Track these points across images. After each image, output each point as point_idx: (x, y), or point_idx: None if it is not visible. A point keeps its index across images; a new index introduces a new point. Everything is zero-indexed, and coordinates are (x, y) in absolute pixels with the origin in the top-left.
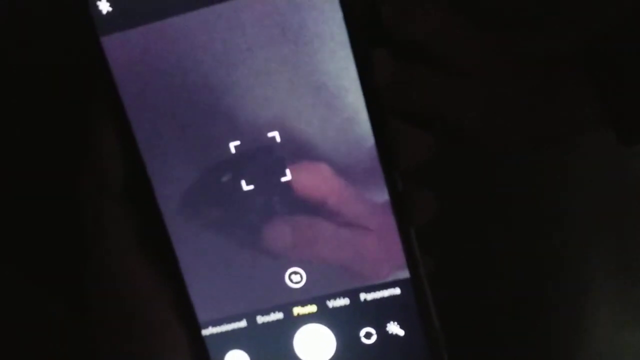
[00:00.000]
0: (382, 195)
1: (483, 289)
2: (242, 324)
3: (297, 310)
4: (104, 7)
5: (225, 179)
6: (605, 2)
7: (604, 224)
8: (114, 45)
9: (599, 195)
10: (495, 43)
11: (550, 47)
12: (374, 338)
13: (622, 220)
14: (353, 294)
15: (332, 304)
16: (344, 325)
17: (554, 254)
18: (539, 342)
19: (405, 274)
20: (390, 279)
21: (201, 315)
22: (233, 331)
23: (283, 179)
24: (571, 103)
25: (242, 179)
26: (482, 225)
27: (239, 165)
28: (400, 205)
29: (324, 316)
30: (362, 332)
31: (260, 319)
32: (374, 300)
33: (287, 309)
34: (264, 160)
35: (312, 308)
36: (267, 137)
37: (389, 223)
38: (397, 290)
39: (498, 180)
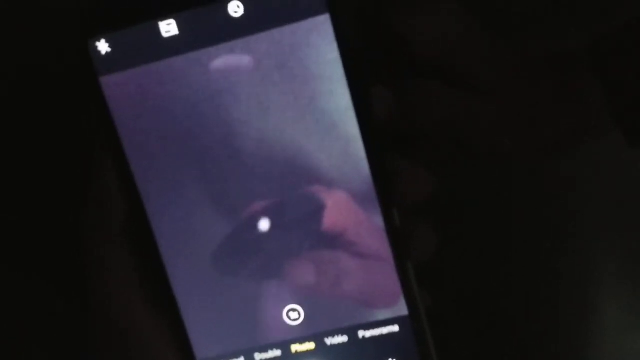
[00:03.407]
0: (380, 232)
1: (483, 325)
2: None
3: (295, 348)
4: (103, 48)
5: (223, 217)
6: (613, 2)
7: (610, 226)
8: (112, 85)
9: (606, 198)
10: (503, 44)
11: (557, 46)
12: None
13: (629, 222)
14: (352, 331)
15: (330, 341)
16: None
17: (560, 258)
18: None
19: (403, 311)
20: (389, 316)
21: (198, 353)
22: None
23: (281, 217)
24: (580, 106)
25: (240, 217)
26: (483, 256)
27: (237, 203)
28: (398, 242)
29: (322, 353)
30: None
31: (258, 357)
32: (373, 338)
33: (285, 346)
34: (261, 199)
35: (310, 345)
36: (263, 175)
37: (387, 260)
38: (395, 328)
39: (501, 191)
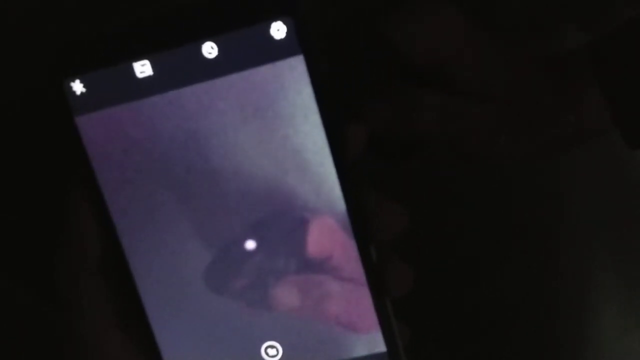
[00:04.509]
0: (357, 268)
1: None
2: None
3: None
4: (78, 88)
5: (201, 251)
6: (613, 2)
7: (610, 226)
8: (88, 124)
9: (603, 199)
10: (501, 47)
11: (556, 48)
12: None
13: (629, 222)
14: None
15: None
16: None
17: (555, 262)
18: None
19: (381, 347)
20: (367, 352)
21: None
22: None
23: (261, 248)
24: (580, 107)
25: (219, 251)
26: (467, 289)
27: (215, 237)
28: (375, 278)
29: None
30: None
31: None
32: None
33: None
34: (240, 232)
35: None
36: (241, 209)
37: (365, 296)
38: None
39: (498, 202)
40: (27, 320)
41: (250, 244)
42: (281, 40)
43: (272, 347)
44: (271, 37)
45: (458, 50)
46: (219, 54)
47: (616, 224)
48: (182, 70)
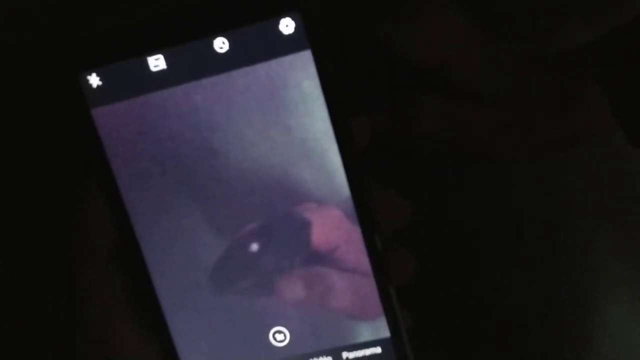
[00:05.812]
0: (362, 256)
1: (466, 345)
2: None
3: None
4: (94, 81)
5: (212, 241)
6: (613, 1)
7: (611, 225)
8: (103, 116)
9: (607, 194)
10: (502, 48)
11: (557, 47)
12: None
13: (630, 222)
14: (336, 353)
15: None
16: None
17: (560, 257)
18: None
19: (385, 333)
20: (371, 337)
21: None
22: None
23: (270, 238)
24: (581, 106)
25: (229, 240)
26: (469, 276)
27: (226, 227)
28: (379, 265)
29: None
30: None
31: None
32: (356, 359)
33: None
34: (250, 222)
35: None
36: (252, 199)
37: (370, 283)
38: (378, 349)
39: (498, 199)
40: (35, 311)
41: (260, 238)
42: (290, 35)
43: (280, 332)
44: (280, 33)
45: (458, 50)
46: (229, 49)
47: (618, 223)
48: (194, 64)
